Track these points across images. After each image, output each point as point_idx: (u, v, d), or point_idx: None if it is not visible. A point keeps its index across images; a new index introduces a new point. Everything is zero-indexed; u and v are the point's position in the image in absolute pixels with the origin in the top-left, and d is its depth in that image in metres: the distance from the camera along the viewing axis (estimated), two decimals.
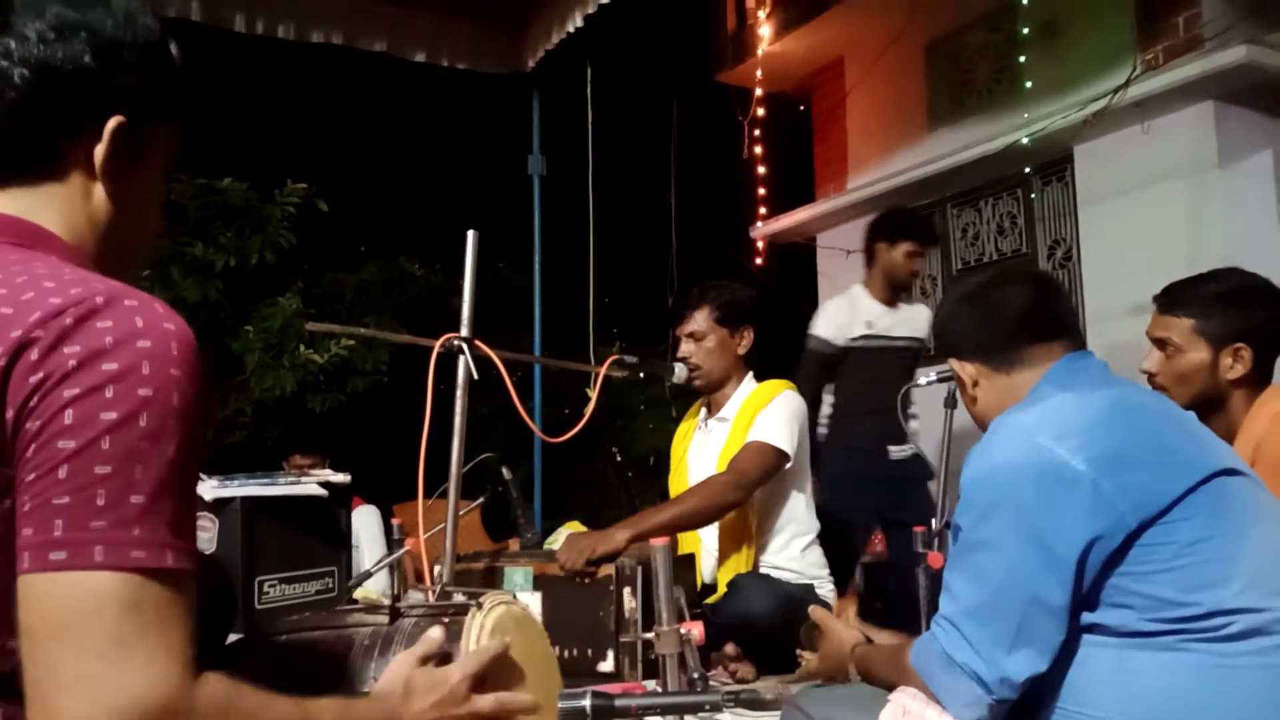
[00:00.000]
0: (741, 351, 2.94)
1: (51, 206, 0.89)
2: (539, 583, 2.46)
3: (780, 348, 3.45)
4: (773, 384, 2.91)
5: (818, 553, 2.90)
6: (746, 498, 2.73)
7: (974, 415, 1.58)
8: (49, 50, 0.85)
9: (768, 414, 2.79)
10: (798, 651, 1.88)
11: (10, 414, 0.74)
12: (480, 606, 1.18)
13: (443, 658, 1.09)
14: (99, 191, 0.91)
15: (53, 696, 0.71)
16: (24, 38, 0.85)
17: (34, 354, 0.74)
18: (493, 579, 2.53)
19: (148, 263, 1.15)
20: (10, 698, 0.74)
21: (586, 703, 1.06)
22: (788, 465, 2.77)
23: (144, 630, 0.72)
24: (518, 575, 2.51)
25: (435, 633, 1.12)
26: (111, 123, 0.89)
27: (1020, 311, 1.51)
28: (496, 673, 1.12)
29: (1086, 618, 1.26)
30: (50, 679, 0.71)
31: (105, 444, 0.73)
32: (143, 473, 0.74)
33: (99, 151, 0.89)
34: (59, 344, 0.74)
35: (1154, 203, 4.97)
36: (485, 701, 1.05)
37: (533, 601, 2.44)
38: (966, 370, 1.55)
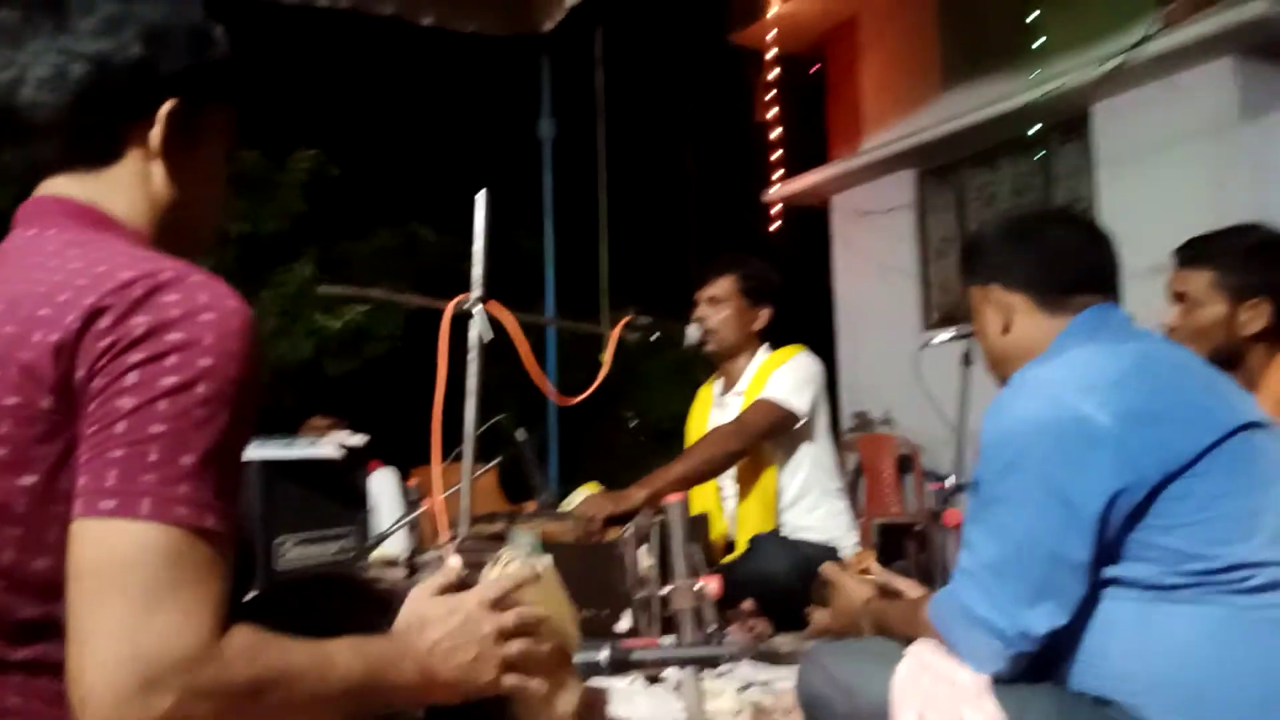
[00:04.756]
0: (757, 327, 2.96)
1: (115, 192, 0.95)
2: (547, 548, 2.46)
3: (795, 312, 3.43)
4: (786, 350, 2.92)
5: (845, 515, 2.90)
6: (749, 446, 2.74)
7: (996, 348, 1.53)
8: (101, 43, 0.91)
9: (779, 373, 2.81)
10: (806, 609, 1.89)
11: (80, 373, 0.79)
12: (498, 560, 1.18)
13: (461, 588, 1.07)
14: (158, 174, 0.96)
15: (87, 638, 0.74)
16: (78, 33, 0.91)
17: (106, 320, 0.79)
18: (500, 544, 2.54)
19: (211, 244, 1.19)
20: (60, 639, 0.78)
21: (604, 655, 1.06)
22: (799, 424, 2.78)
23: (180, 583, 0.76)
24: (524, 538, 2.51)
25: (454, 561, 1.11)
26: (165, 106, 0.94)
27: (1086, 258, 1.48)
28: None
29: (1108, 571, 1.25)
30: (87, 620, 0.74)
31: (162, 405, 0.78)
32: (195, 436, 0.78)
33: (155, 135, 0.95)
34: (130, 314, 0.80)
35: (1174, 160, 4.91)
36: (507, 617, 1.02)
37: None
38: (1010, 299, 1.49)
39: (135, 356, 0.78)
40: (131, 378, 0.78)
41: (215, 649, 0.76)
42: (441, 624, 0.99)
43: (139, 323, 0.79)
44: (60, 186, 0.94)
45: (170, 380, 0.78)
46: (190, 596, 0.76)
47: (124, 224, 0.94)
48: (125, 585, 0.74)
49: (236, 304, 0.84)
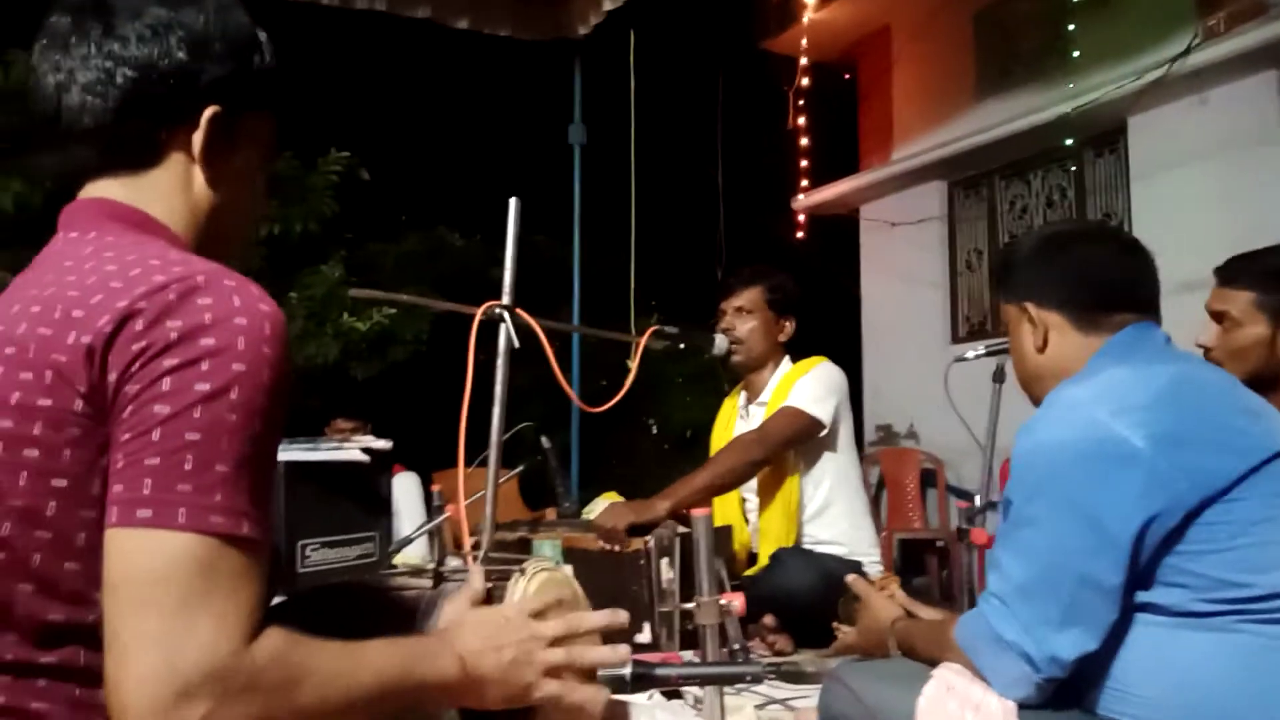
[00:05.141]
0: (782, 339, 2.98)
1: (158, 196, 0.95)
2: (569, 555, 2.46)
3: (822, 322, 3.42)
4: (809, 360, 2.91)
5: (869, 530, 2.88)
6: (772, 454, 2.74)
7: (1031, 366, 1.50)
8: (146, 49, 0.92)
9: (802, 382, 2.81)
10: (834, 625, 1.87)
11: (113, 377, 0.79)
12: (523, 572, 1.18)
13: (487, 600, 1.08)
14: (199, 179, 0.97)
15: (125, 649, 0.75)
16: (124, 39, 0.92)
17: (139, 324, 0.79)
18: (522, 552, 2.54)
19: (250, 248, 1.21)
20: (94, 646, 0.78)
21: (627, 670, 1.05)
22: (822, 432, 2.76)
23: (215, 592, 0.76)
24: (546, 547, 2.51)
25: (476, 577, 1.11)
26: (207, 112, 0.95)
27: (1124, 276, 1.45)
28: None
29: (1140, 597, 1.23)
30: (124, 631, 0.75)
31: (197, 413, 0.78)
32: (229, 443, 0.79)
33: (197, 140, 0.96)
34: (162, 317, 0.80)
35: (1211, 176, 4.84)
36: (550, 627, 1.03)
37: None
38: (1044, 318, 1.47)
39: (169, 362, 0.78)
40: (166, 384, 0.78)
41: (248, 655, 0.77)
42: (482, 626, 1.00)
43: (173, 327, 0.79)
44: (102, 189, 0.95)
45: (204, 386, 0.78)
46: (224, 604, 0.76)
47: (165, 228, 0.95)
48: (161, 595, 0.75)
49: (269, 308, 0.84)
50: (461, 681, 0.95)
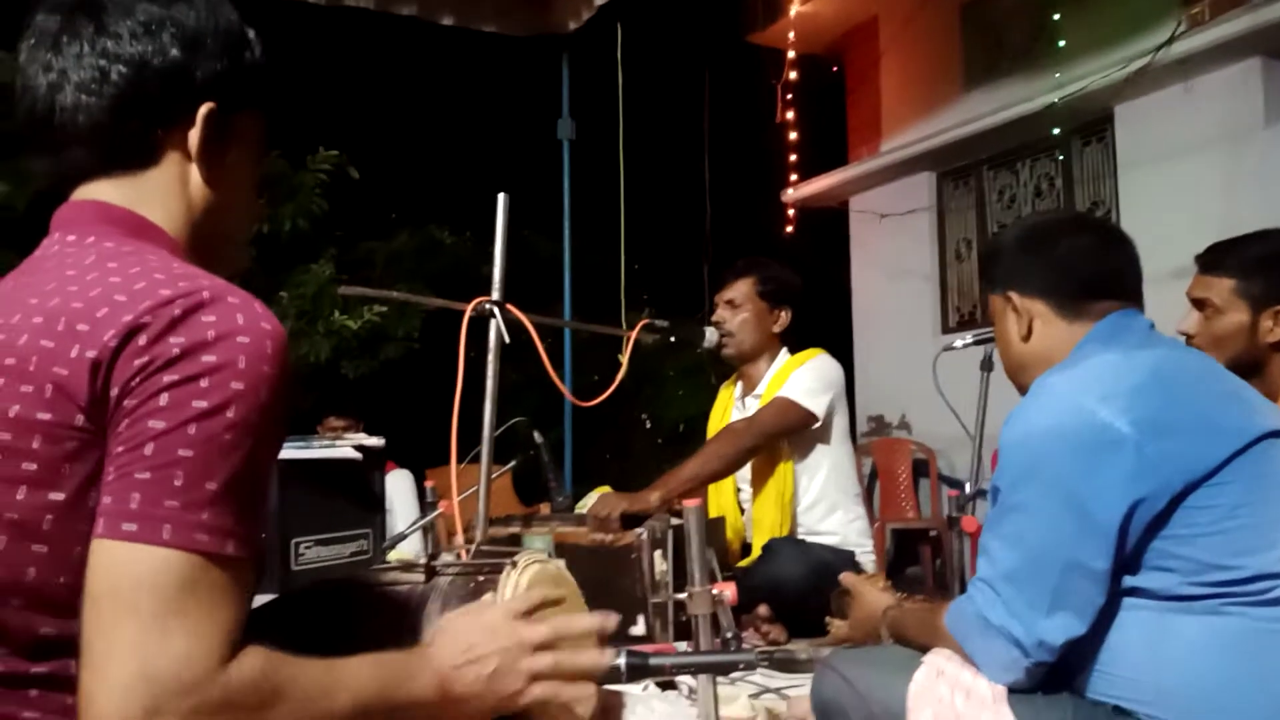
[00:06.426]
0: (777, 329, 2.95)
1: (154, 197, 0.94)
2: (561, 550, 2.47)
3: (811, 315, 3.42)
4: (806, 352, 2.91)
5: (862, 521, 2.89)
6: (763, 443, 2.74)
7: (1016, 355, 1.51)
8: (140, 46, 0.91)
9: (798, 374, 2.81)
10: (827, 620, 1.88)
11: (115, 391, 0.79)
12: (515, 565, 1.18)
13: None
14: (195, 178, 0.96)
15: (100, 661, 0.74)
16: (117, 36, 0.91)
17: (143, 339, 0.79)
18: (515, 546, 2.54)
19: (246, 254, 1.17)
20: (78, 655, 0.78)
21: (621, 661, 1.05)
22: (815, 425, 2.77)
23: (194, 609, 0.76)
24: (536, 542, 2.52)
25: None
26: (203, 109, 0.95)
27: (1105, 264, 1.46)
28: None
29: (1127, 581, 1.25)
30: (100, 643, 0.74)
31: (192, 429, 0.77)
32: (221, 461, 0.78)
33: (193, 137, 0.95)
34: (166, 333, 0.79)
35: (1197, 164, 4.86)
36: (537, 632, 0.99)
37: None
38: (1028, 307, 1.48)
39: (169, 377, 0.78)
40: (164, 399, 0.78)
41: (224, 674, 0.76)
42: (462, 636, 0.98)
43: (175, 342, 0.79)
44: (97, 191, 0.93)
45: (202, 403, 0.78)
46: (203, 622, 0.76)
47: (164, 233, 0.94)
48: (139, 609, 0.74)
49: (271, 327, 0.84)
50: (439, 701, 0.93)
